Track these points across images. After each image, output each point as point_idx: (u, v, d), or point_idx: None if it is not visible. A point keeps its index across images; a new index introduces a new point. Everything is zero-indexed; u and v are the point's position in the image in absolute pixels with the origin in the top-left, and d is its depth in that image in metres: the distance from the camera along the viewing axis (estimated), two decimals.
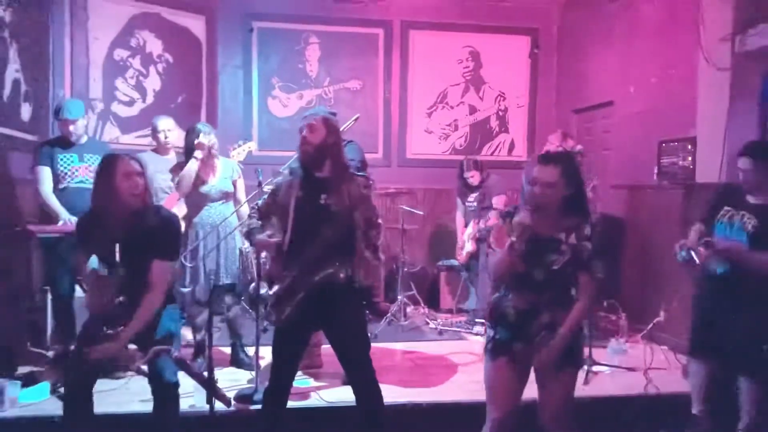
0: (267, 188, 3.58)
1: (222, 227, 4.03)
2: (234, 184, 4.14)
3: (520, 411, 2.69)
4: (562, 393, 2.66)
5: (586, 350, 3.93)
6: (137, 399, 3.49)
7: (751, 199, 3.16)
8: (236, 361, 4.24)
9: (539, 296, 2.59)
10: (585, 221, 2.59)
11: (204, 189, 4.03)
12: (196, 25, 6.15)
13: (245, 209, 4.15)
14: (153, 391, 2.85)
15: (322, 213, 2.76)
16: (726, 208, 3.25)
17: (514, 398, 2.69)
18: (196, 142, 3.96)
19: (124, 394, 3.62)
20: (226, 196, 4.12)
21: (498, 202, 5.44)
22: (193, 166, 3.96)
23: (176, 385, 2.85)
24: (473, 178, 5.55)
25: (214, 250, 4.01)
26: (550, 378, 2.64)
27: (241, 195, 4.20)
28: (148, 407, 2.97)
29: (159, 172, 4.31)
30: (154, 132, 4.61)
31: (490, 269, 2.69)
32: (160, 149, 4.63)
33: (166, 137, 4.56)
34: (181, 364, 2.33)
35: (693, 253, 3.11)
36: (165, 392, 2.85)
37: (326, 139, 2.81)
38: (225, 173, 4.11)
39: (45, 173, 4.04)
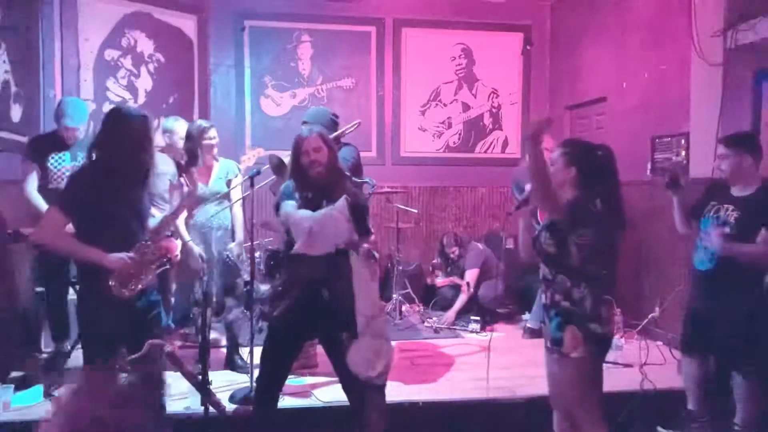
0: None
1: (214, 227, 4.00)
2: (228, 183, 4.07)
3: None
4: (568, 375, 2.63)
5: None
6: None
7: (735, 192, 3.25)
8: (230, 363, 4.20)
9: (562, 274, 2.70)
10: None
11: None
12: (187, 24, 6.11)
13: (237, 209, 4.13)
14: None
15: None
16: (712, 202, 3.35)
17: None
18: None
19: None
20: (223, 197, 4.06)
21: (471, 276, 5.62)
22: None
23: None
24: (454, 253, 5.87)
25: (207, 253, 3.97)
26: (556, 358, 2.64)
27: (234, 193, 4.08)
28: None
29: (165, 174, 4.04)
30: (170, 134, 4.45)
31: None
32: (167, 150, 4.39)
33: (181, 138, 4.32)
34: (174, 360, 2.28)
35: None
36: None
37: (329, 155, 2.91)
38: (220, 174, 4.06)
39: (31, 170, 3.95)
